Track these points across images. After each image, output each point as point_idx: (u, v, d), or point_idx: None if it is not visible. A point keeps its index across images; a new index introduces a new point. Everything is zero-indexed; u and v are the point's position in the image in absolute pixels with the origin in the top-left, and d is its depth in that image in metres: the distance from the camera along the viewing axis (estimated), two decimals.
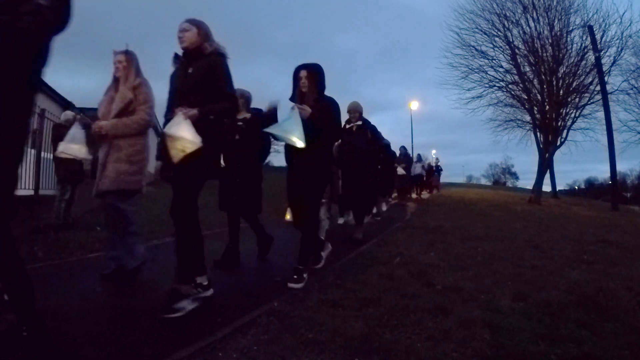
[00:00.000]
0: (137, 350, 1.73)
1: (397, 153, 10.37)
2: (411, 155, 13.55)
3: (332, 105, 2.89)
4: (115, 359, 1.66)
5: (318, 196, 2.92)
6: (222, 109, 2.29)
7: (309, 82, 2.86)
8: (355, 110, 4.78)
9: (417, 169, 12.77)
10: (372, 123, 8.01)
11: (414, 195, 13.26)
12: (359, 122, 4.76)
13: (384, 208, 8.17)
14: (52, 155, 5.41)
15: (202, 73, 2.26)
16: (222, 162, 3.11)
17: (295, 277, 2.73)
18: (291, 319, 2.08)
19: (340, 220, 6.33)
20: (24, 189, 5.07)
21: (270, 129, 2.70)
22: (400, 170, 10.07)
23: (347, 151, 4.77)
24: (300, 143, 2.57)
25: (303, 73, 2.87)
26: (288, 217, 4.32)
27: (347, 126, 4.77)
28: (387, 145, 7.92)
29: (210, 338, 1.83)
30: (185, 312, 2.09)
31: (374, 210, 7.20)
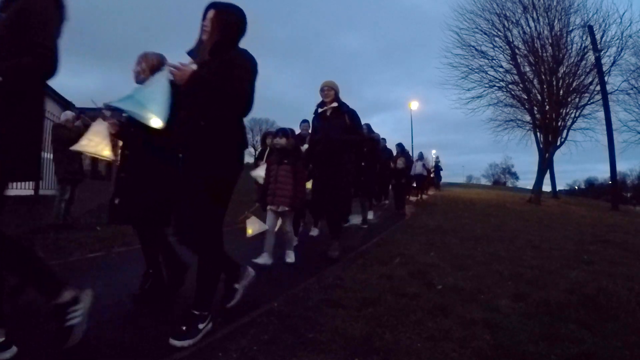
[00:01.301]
0: (137, 350, 1.73)
1: (394, 151, 9.35)
2: (411, 155, 13.22)
3: (241, 58, 1.90)
4: (116, 359, 1.66)
5: (203, 203, 1.85)
6: (17, 66, 1.47)
7: (212, 27, 1.93)
8: (330, 89, 3.76)
9: (417, 168, 12.04)
10: (376, 123, 6.83)
11: (412, 198, 11.86)
12: (334, 105, 3.73)
13: (371, 216, 6.71)
14: (52, 155, 5.41)
15: (10, 17, 1.55)
16: (108, 153, 2.21)
17: (183, 327, 1.80)
18: (291, 319, 2.08)
19: (314, 232, 5.15)
20: (24, 189, 5.08)
21: (117, 103, 1.84)
22: (400, 163, 8.47)
23: (320, 141, 3.78)
24: (155, 121, 1.78)
25: (210, 14, 1.95)
26: (250, 232, 3.35)
27: (320, 110, 3.84)
28: (377, 139, 6.75)
29: (210, 338, 1.83)
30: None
31: (360, 217, 6.05)
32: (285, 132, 3.48)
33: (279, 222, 3.52)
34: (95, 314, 2.11)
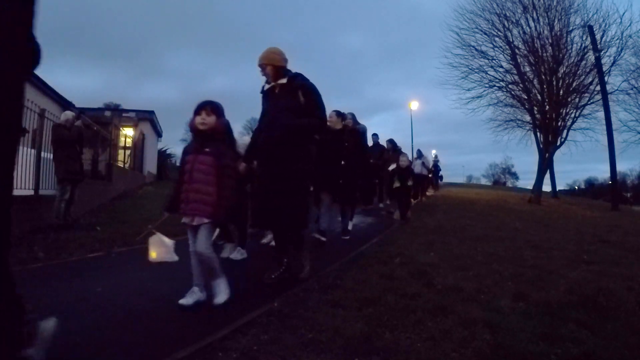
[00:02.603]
0: (137, 350, 1.73)
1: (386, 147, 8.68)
2: (405, 152, 12.59)
3: None
4: (115, 359, 1.66)
5: None
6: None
7: None
8: (269, 62, 2.80)
9: (417, 167, 11.67)
10: (359, 117, 5.32)
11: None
12: (283, 81, 2.80)
13: (349, 226, 5.13)
14: (52, 155, 5.41)
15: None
16: None
17: None
18: (291, 319, 2.08)
19: (266, 239, 4.17)
20: (24, 189, 5.08)
21: None
22: (403, 160, 6.94)
23: (265, 127, 2.86)
24: None
25: None
26: (154, 256, 2.31)
27: (266, 87, 2.90)
28: (362, 131, 5.38)
29: (210, 338, 1.83)
30: None
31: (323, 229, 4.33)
32: (214, 107, 2.33)
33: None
34: (94, 314, 2.12)
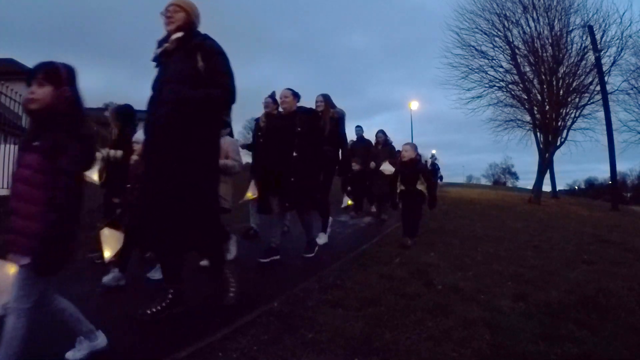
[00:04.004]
0: (138, 350, 1.73)
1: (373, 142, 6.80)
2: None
3: None
4: (115, 359, 1.66)
5: None
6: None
7: None
8: (178, 8, 2.09)
9: None
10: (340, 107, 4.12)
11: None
12: (178, 34, 2.06)
13: (321, 238, 4.08)
14: None
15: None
16: None
17: None
18: (291, 319, 2.08)
19: (155, 275, 2.77)
20: None
21: None
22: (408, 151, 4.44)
23: (148, 105, 2.14)
24: None
25: None
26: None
27: (158, 50, 2.11)
28: (340, 116, 4.33)
29: (210, 338, 1.83)
30: None
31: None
32: (49, 72, 1.44)
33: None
34: (94, 314, 2.12)
